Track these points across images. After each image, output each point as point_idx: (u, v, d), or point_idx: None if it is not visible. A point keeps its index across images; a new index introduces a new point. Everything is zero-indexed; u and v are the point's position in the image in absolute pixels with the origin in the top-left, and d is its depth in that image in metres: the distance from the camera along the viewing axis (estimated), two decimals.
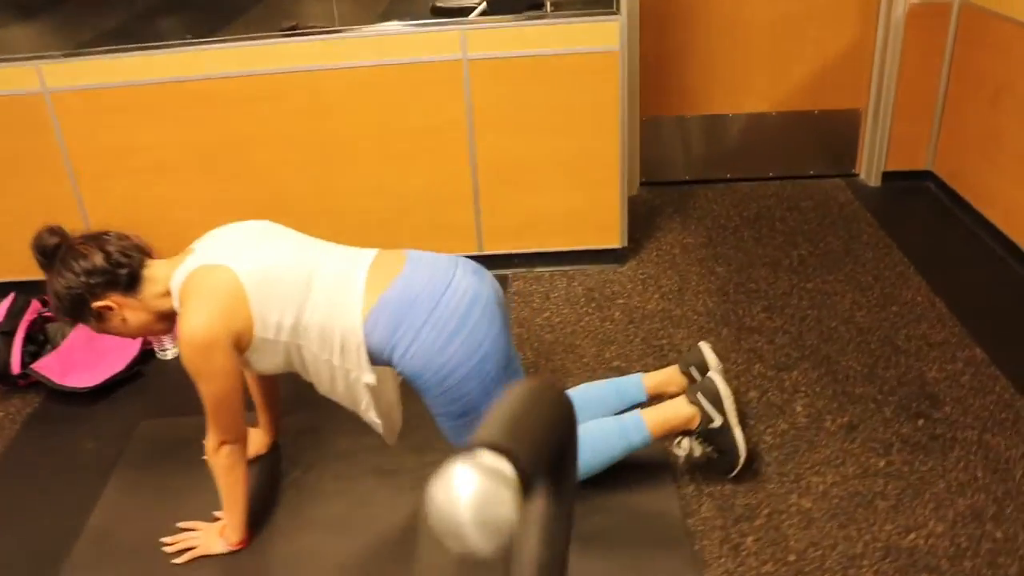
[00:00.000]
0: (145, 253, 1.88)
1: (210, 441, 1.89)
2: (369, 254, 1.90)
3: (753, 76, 3.58)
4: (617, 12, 2.74)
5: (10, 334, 2.72)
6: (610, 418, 2.05)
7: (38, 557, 2.06)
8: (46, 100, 2.96)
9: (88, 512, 2.17)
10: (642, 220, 3.48)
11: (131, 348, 2.77)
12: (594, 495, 2.05)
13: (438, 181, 3.01)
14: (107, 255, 1.80)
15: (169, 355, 2.84)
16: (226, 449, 1.89)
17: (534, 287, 3.06)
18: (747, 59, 3.55)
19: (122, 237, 1.87)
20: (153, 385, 2.71)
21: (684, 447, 2.10)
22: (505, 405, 0.90)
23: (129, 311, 1.85)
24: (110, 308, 1.83)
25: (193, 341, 1.74)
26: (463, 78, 2.84)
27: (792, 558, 1.90)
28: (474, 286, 1.84)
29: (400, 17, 2.90)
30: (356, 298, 1.80)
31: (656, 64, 3.55)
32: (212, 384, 1.79)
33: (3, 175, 3.08)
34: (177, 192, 3.06)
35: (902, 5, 3.30)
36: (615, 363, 2.60)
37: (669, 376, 2.17)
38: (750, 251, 3.18)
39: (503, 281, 3.11)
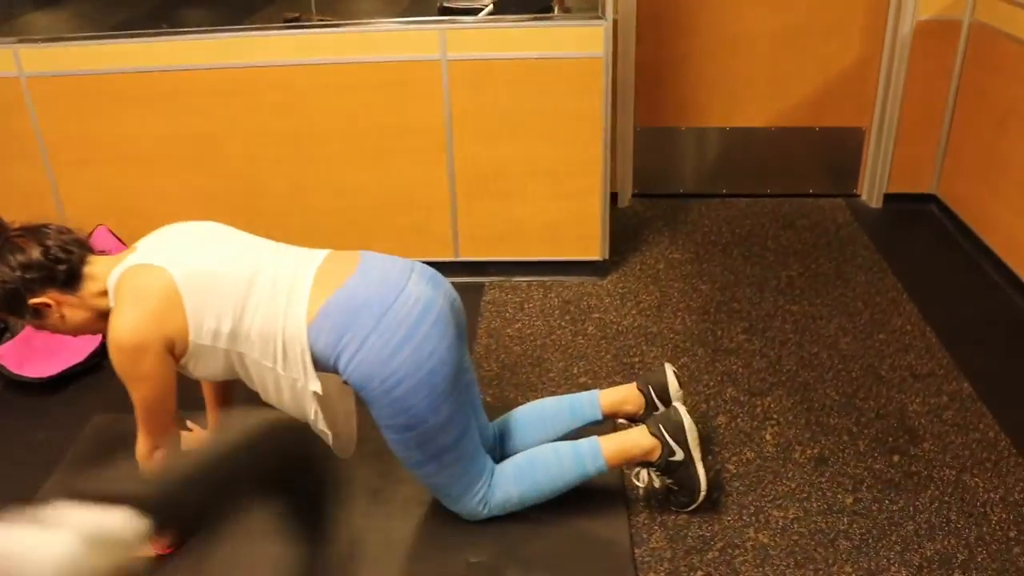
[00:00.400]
0: (86, 249, 1.78)
1: (141, 445, 1.81)
2: (319, 255, 1.81)
3: (753, 89, 3.47)
4: (602, 17, 2.64)
5: None
6: (567, 443, 1.95)
7: None
8: (22, 84, 2.91)
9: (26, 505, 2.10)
10: (631, 232, 3.37)
11: (91, 340, 2.70)
12: (540, 517, 1.95)
13: (414, 184, 2.93)
14: (45, 249, 1.70)
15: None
16: (159, 453, 1.82)
17: (509, 296, 2.97)
18: (748, 71, 3.44)
19: (63, 231, 1.76)
20: (112, 379, 2.62)
21: (643, 479, 2.03)
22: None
23: (68, 308, 1.75)
24: (48, 305, 1.72)
25: (121, 344, 1.66)
26: (442, 79, 2.76)
27: None
28: (427, 294, 1.75)
29: (420, 15, 2.83)
30: (300, 302, 1.71)
31: (653, 73, 3.45)
32: (142, 389, 1.72)
33: None
34: (151, 183, 3.00)
35: (910, 21, 3.18)
36: (582, 379, 2.50)
37: (626, 394, 2.07)
38: (737, 270, 3.06)
39: (479, 290, 3.02)
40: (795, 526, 1.96)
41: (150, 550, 1.84)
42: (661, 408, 2.05)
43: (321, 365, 1.75)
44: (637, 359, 2.58)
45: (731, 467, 2.14)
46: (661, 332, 2.72)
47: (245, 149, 2.93)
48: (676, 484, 1.95)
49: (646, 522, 1.98)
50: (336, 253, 1.83)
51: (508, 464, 1.92)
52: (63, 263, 1.71)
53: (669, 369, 2.06)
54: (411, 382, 1.70)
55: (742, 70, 3.44)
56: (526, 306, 2.91)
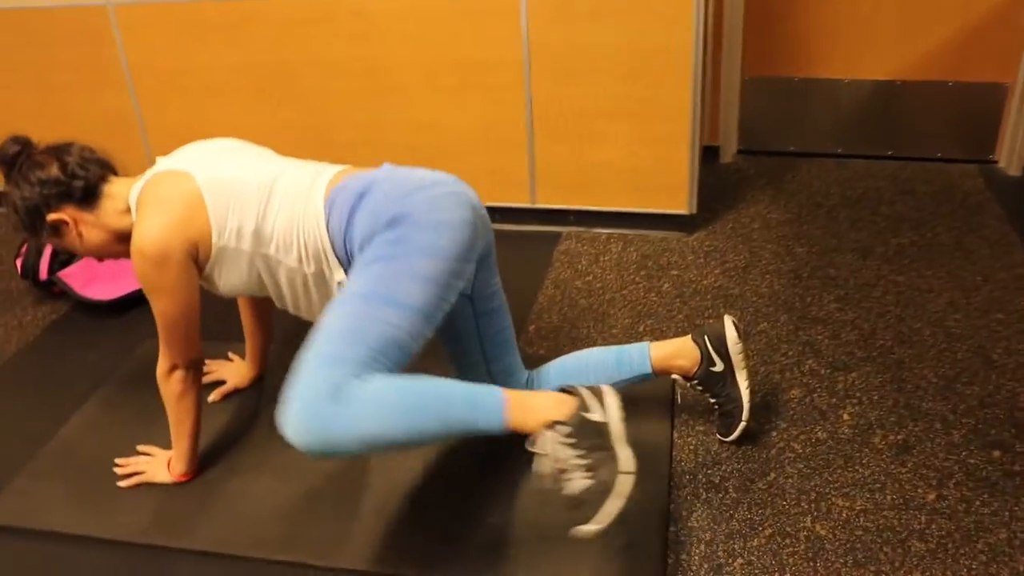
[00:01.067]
0: (108, 168, 1.78)
1: (161, 364, 1.76)
2: (341, 167, 1.73)
3: (880, 37, 3.11)
4: None
5: None
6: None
7: (1, 463, 2.01)
8: (110, 13, 2.91)
9: (63, 424, 2.10)
10: (728, 189, 3.11)
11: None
12: None
13: (491, 122, 2.76)
14: (63, 165, 1.70)
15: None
16: (178, 374, 1.76)
17: (585, 248, 2.78)
18: (874, 16, 3.09)
19: (85, 149, 1.76)
20: None
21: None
22: None
23: (85, 227, 1.74)
24: (65, 222, 1.73)
25: (146, 252, 1.62)
26: (521, 10, 2.57)
27: None
28: (451, 181, 1.66)
29: None
30: (318, 194, 1.65)
31: (765, 15, 3.15)
32: (164, 300, 1.67)
33: (65, 86, 3.07)
34: (228, 113, 2.96)
35: None
36: (646, 339, 2.30)
37: (679, 347, 1.86)
38: (841, 234, 2.76)
39: (554, 239, 2.84)
40: (861, 519, 1.71)
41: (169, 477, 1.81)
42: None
43: (339, 246, 1.62)
44: (712, 321, 2.35)
45: (797, 446, 1.90)
46: (743, 295, 2.47)
47: (321, 80, 2.84)
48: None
49: (689, 497, 1.78)
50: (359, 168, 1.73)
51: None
52: (80, 179, 1.70)
53: (728, 320, 1.85)
54: (418, 219, 1.54)
55: (867, 13, 3.09)
56: (601, 259, 2.71)
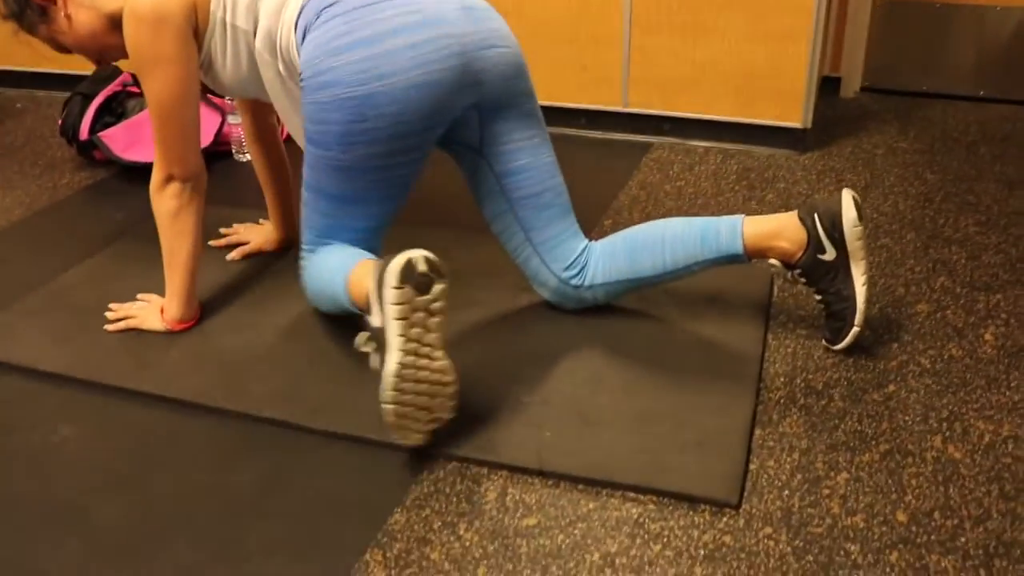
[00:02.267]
0: None
1: (155, 175, 1.52)
2: None
3: None
4: None
5: (89, 98, 2.50)
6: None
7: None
8: None
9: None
10: (850, 121, 2.71)
11: (204, 134, 2.46)
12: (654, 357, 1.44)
13: (582, 7, 2.44)
14: None
15: (245, 159, 2.52)
16: (173, 187, 1.50)
17: (679, 158, 2.43)
18: None
19: None
20: (213, 182, 2.38)
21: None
22: None
23: (74, 7, 1.52)
24: (52, 1, 1.50)
25: (140, 11, 1.40)
26: None
27: (901, 518, 1.19)
28: (440, 14, 1.36)
29: None
30: None
31: None
32: (160, 76, 1.44)
33: None
34: None
35: None
36: None
37: (781, 225, 1.49)
38: (983, 167, 2.34)
39: (643, 149, 2.49)
40: (1009, 446, 1.32)
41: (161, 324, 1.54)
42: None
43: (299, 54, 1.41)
44: (824, 196, 1.97)
45: (924, 361, 1.51)
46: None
47: None
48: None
49: (783, 400, 1.42)
50: None
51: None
52: None
53: (847, 195, 1.47)
54: (339, 92, 1.32)
55: None
56: (696, 168, 2.36)
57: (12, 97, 3.31)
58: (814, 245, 1.46)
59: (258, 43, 1.46)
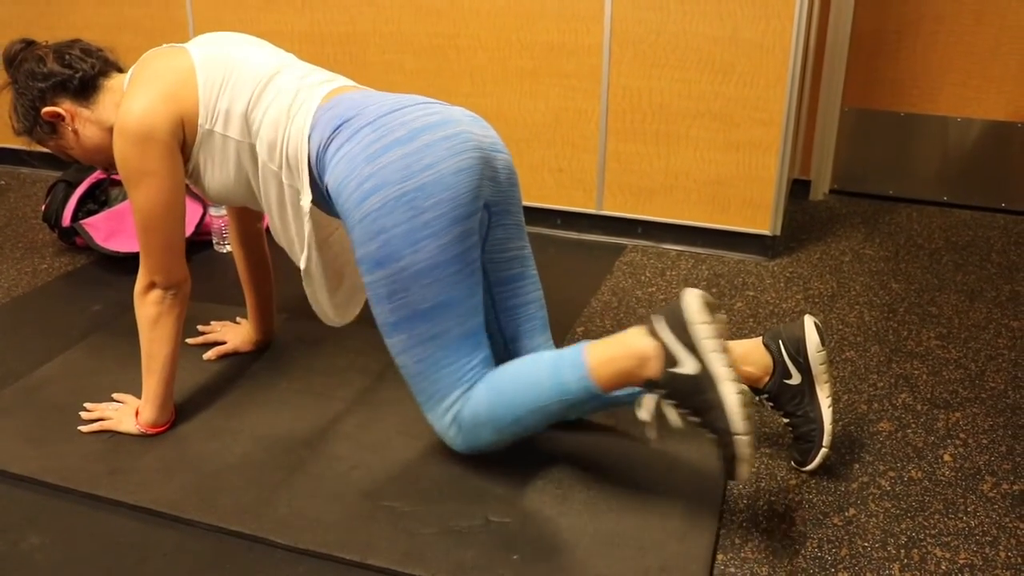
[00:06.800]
0: (112, 66, 1.62)
1: (139, 280, 1.55)
2: (352, 83, 1.56)
3: (999, 70, 2.81)
4: None
5: (73, 185, 2.54)
6: (552, 350, 1.46)
7: None
8: None
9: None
10: (819, 225, 2.80)
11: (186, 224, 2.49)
12: (611, 468, 1.46)
13: (561, 113, 2.52)
14: (61, 57, 1.56)
15: (225, 250, 2.56)
16: (155, 295, 1.53)
17: (651, 262, 2.49)
18: (994, 47, 2.79)
19: (89, 46, 1.61)
20: (194, 272, 2.42)
21: (649, 407, 1.37)
22: None
23: (81, 123, 1.58)
24: (60, 116, 1.57)
25: (127, 127, 1.45)
26: None
27: None
28: (456, 115, 1.42)
29: None
30: (314, 100, 1.47)
31: (871, 42, 2.87)
32: (144, 188, 1.48)
33: (131, 47, 2.95)
34: None
35: None
36: None
37: (748, 351, 1.54)
38: (944, 276, 2.42)
39: (617, 251, 2.56)
40: (966, 575, 1.35)
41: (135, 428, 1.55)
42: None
43: (317, 168, 1.44)
44: (788, 322, 2.03)
45: (884, 483, 1.55)
46: (828, 322, 2.14)
47: (387, 55, 2.65)
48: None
49: (745, 524, 1.44)
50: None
51: (489, 374, 1.44)
52: (77, 71, 1.55)
53: (808, 321, 1.52)
54: (390, 193, 1.33)
55: (987, 45, 2.79)
56: (667, 273, 2.42)
57: None
58: (780, 371, 1.51)
59: (260, 153, 1.49)
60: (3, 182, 3.25)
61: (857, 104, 2.97)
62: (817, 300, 2.26)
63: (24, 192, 3.13)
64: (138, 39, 2.93)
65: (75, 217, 2.49)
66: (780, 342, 1.51)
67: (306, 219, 1.48)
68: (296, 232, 1.53)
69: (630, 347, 1.34)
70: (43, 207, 2.55)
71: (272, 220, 1.57)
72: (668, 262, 2.49)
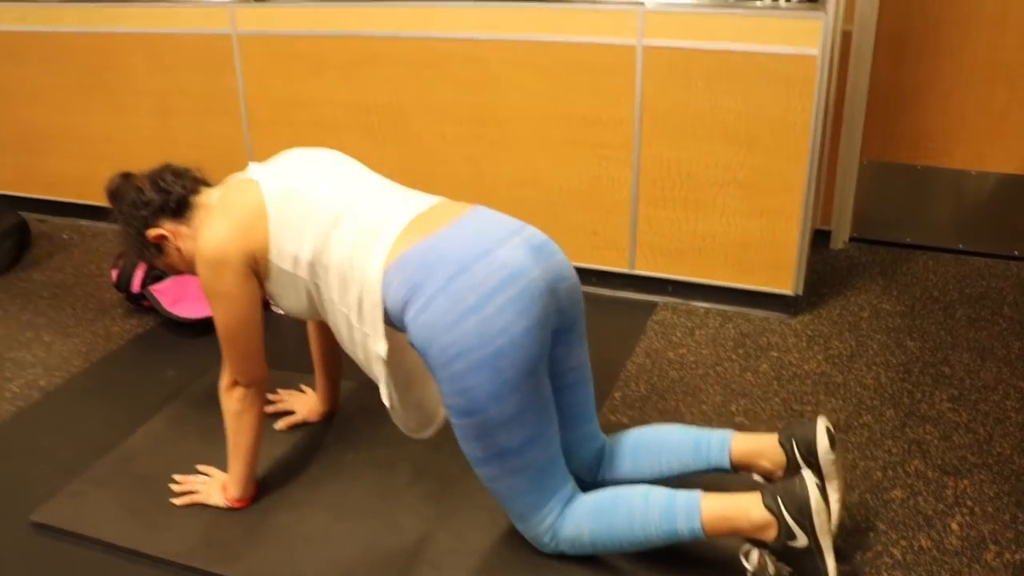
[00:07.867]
0: (200, 182, 1.80)
1: (223, 378, 1.73)
2: (426, 202, 1.66)
3: (1011, 126, 2.95)
4: (822, 9, 2.30)
5: None
6: (664, 490, 1.58)
7: (64, 466, 1.99)
8: (233, 41, 2.99)
9: (129, 435, 2.08)
10: (838, 276, 2.95)
11: None
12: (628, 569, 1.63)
13: (595, 181, 2.70)
14: (156, 183, 1.75)
15: (281, 311, 2.74)
16: (238, 392, 1.72)
17: (681, 320, 2.65)
18: (1007, 105, 2.93)
19: (178, 168, 1.80)
20: None
21: (753, 561, 1.55)
22: None
23: (182, 240, 1.77)
24: (164, 237, 1.76)
25: (204, 255, 1.63)
26: (636, 66, 2.52)
27: None
28: (519, 263, 1.51)
29: None
30: (381, 250, 1.55)
31: (889, 98, 3.02)
32: (222, 307, 1.66)
33: (182, 111, 3.16)
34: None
35: None
36: (738, 418, 2.15)
37: (763, 446, 1.69)
38: (958, 332, 2.57)
39: (649, 309, 2.73)
40: None
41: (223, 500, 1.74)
42: (800, 537, 1.52)
43: (393, 321, 1.57)
44: (810, 408, 2.19)
45: (896, 552, 1.71)
46: (846, 383, 2.30)
47: (429, 124, 2.83)
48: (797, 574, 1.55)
49: None
50: (446, 203, 1.66)
51: (591, 496, 1.61)
52: (172, 192, 1.73)
53: (821, 423, 1.66)
54: (472, 358, 1.45)
55: (999, 102, 2.93)
56: (697, 332, 2.58)
57: (58, 226, 3.56)
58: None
59: (331, 295, 1.61)
60: (67, 236, 3.46)
61: (875, 157, 3.12)
62: (837, 361, 2.42)
63: (87, 247, 3.34)
64: (190, 103, 3.13)
65: (144, 283, 2.69)
66: (793, 441, 1.63)
67: (377, 361, 1.58)
68: (366, 361, 1.62)
69: (750, 517, 1.50)
70: (113, 271, 2.75)
71: (343, 343, 1.68)
72: (697, 320, 2.66)
